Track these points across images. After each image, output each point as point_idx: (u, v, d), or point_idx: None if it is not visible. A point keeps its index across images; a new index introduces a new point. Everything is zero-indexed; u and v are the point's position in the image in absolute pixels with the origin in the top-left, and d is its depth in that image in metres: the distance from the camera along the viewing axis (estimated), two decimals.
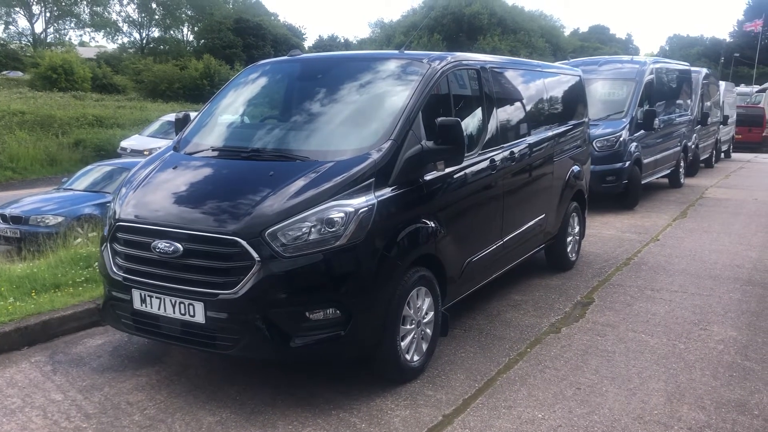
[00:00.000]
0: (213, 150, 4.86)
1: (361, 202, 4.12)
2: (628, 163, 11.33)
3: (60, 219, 10.18)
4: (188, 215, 4.21)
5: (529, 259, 6.78)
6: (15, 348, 5.17)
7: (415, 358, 4.62)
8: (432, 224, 4.67)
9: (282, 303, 3.96)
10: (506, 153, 5.72)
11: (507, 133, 5.84)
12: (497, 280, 6.43)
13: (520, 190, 6.09)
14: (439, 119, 4.56)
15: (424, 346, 4.72)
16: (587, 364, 4.93)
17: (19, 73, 46.53)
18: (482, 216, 5.45)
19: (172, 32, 76.87)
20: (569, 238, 7.44)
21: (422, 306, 4.65)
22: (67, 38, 73.74)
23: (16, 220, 10.26)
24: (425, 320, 4.70)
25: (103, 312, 4.69)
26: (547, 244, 7.15)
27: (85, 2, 72.39)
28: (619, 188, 11.41)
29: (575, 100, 7.75)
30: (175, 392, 4.45)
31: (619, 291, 6.78)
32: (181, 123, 5.52)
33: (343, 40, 74.59)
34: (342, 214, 4.03)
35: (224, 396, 4.39)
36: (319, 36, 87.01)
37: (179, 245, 4.08)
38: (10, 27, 71.36)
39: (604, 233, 9.70)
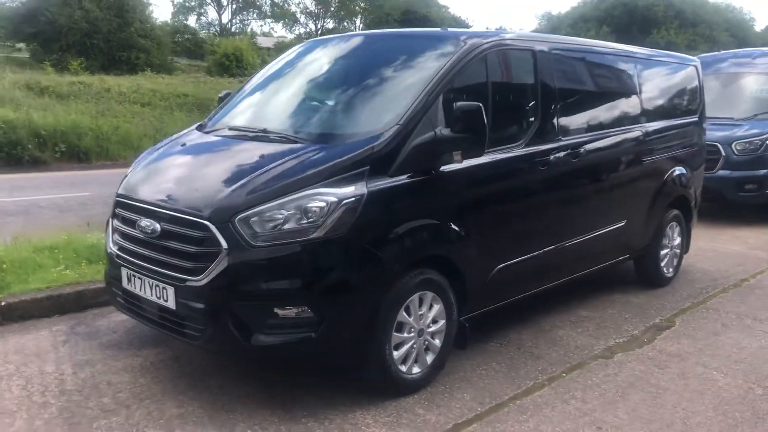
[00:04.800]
0: (229, 129, 4.63)
1: (347, 191, 3.70)
2: None
3: None
4: (174, 194, 4.01)
5: (602, 272, 5.97)
6: (45, 315, 5.26)
7: (415, 370, 4.13)
8: (446, 222, 4.14)
9: (248, 296, 3.65)
10: (566, 149, 5.00)
11: (569, 126, 5.11)
12: (565, 292, 5.79)
13: (585, 193, 5.35)
14: (458, 103, 4.01)
15: (429, 359, 4.21)
16: (626, 399, 4.19)
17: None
18: (524, 218, 4.80)
19: (345, 24, 79.04)
20: (664, 251, 6.50)
21: (428, 313, 4.14)
22: (249, 28, 78.10)
23: None
24: (431, 329, 4.18)
25: (106, 289, 4.61)
26: (632, 257, 6.28)
27: None
28: (761, 198, 9.99)
29: (684, 93, 6.76)
30: (159, 377, 4.29)
31: (712, 316, 5.80)
32: (221, 101, 5.34)
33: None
34: (322, 204, 3.63)
35: (203, 388, 4.16)
36: (486, 28, 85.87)
37: (158, 225, 3.87)
38: (202, 18, 76.91)
39: (728, 248, 8.48)
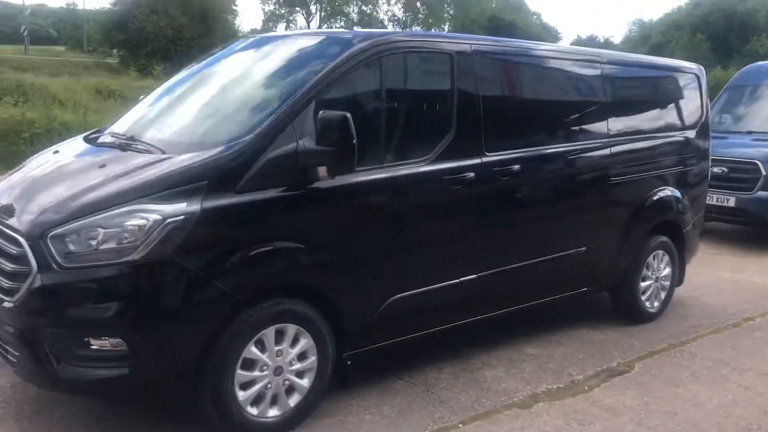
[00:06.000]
0: (111, 135, 4.29)
1: (175, 209, 3.26)
2: None
3: None
4: (15, 206, 3.68)
5: (555, 303, 5.28)
6: None
7: (271, 413, 3.66)
8: (314, 246, 3.65)
9: (58, 322, 3.27)
10: (492, 166, 4.39)
11: (501, 141, 4.49)
12: (521, 323, 5.29)
13: (520, 216, 4.70)
14: (321, 113, 3.51)
15: (293, 400, 3.72)
16: None
17: None
18: (430, 244, 4.22)
19: (433, 31, 78.68)
20: (645, 283, 5.72)
21: (290, 349, 3.65)
22: None
23: None
24: (295, 367, 3.69)
25: None
26: (599, 289, 5.56)
27: (354, 2, 77.21)
28: None
29: (677, 105, 5.96)
30: (8, 401, 3.96)
31: (683, 362, 5.01)
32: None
33: (603, 40, 70.54)
34: (142, 222, 3.21)
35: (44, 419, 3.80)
36: (578, 36, 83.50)
37: None
38: (291, 25, 78.46)
39: (751, 281, 7.51)
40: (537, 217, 4.80)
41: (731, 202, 9.00)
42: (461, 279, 4.38)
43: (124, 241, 3.20)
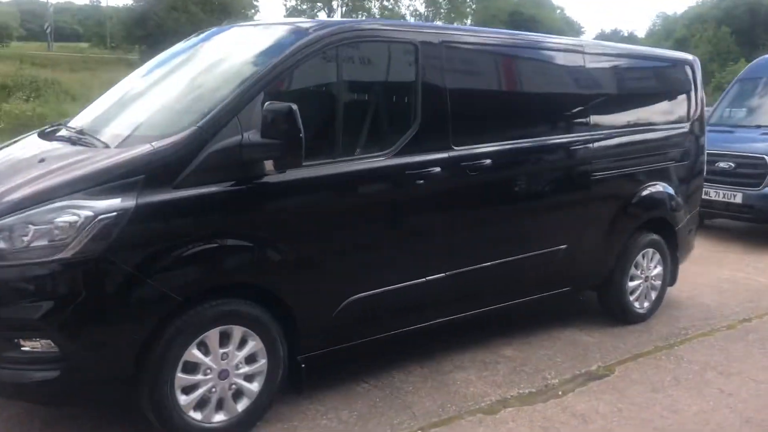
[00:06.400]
0: (65, 129, 4.17)
1: (108, 204, 3.13)
2: None
3: None
4: None
5: (541, 303, 5.08)
6: None
7: (217, 418, 3.52)
8: (263, 244, 3.50)
9: None
10: (461, 161, 4.21)
11: (470, 134, 4.30)
12: (504, 323, 5.17)
13: (491, 212, 4.52)
14: (267, 104, 3.36)
15: (242, 405, 3.58)
16: None
17: None
18: (392, 241, 4.06)
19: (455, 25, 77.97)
20: (634, 283, 5.49)
21: (236, 351, 3.51)
22: None
23: None
24: (243, 370, 3.55)
25: None
26: (583, 288, 5.35)
27: None
28: None
29: (667, 97, 5.71)
30: None
31: (668, 366, 4.79)
32: None
33: (627, 34, 69.49)
34: (73, 218, 3.08)
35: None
36: (601, 30, 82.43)
37: None
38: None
39: (754, 280, 7.21)
40: (511, 213, 4.60)
41: (738, 198, 8.69)
42: (428, 278, 4.20)
43: (56, 239, 3.07)
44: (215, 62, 4.08)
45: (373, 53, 4.01)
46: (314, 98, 3.77)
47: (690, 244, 6.03)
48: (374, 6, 77.12)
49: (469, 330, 5.02)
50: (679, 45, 51.71)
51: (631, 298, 5.51)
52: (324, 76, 3.82)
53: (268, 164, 3.42)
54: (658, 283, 5.70)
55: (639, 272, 5.52)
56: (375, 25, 4.09)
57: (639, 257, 5.48)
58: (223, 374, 3.48)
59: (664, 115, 5.65)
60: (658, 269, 5.67)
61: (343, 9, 77.20)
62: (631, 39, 64.05)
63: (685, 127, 5.77)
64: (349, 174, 3.80)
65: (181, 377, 3.36)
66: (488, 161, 4.33)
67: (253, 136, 3.39)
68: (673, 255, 5.77)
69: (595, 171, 4.98)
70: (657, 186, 5.49)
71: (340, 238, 3.82)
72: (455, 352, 4.82)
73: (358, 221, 3.87)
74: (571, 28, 65.69)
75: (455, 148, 4.19)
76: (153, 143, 3.32)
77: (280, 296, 3.61)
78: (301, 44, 3.67)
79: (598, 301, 5.62)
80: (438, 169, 4.09)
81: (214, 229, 3.38)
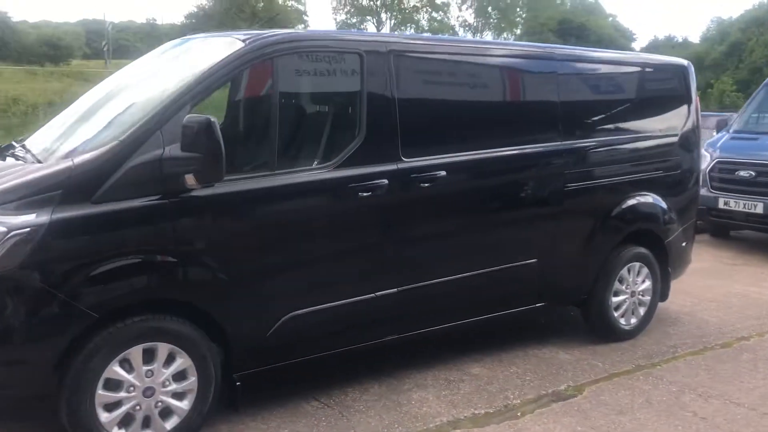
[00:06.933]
0: (17, 145, 4.20)
1: (22, 220, 3.12)
2: None
3: None
4: None
5: (507, 319, 4.90)
6: None
7: None
8: (188, 259, 3.46)
9: None
10: (411, 173, 4.09)
11: (422, 145, 4.18)
12: (477, 339, 5.02)
13: (447, 225, 4.38)
14: (186, 117, 3.31)
15: (171, 423, 3.53)
16: None
17: None
18: (334, 256, 3.95)
19: (505, 35, 77.50)
20: (619, 298, 5.25)
21: (162, 369, 3.46)
22: None
23: None
24: (170, 388, 3.50)
25: None
26: (560, 304, 5.14)
27: (425, 9, 77.11)
28: None
29: (655, 105, 5.45)
30: None
31: (643, 387, 4.55)
32: None
33: (681, 40, 67.65)
34: None
35: None
36: (654, 36, 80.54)
37: None
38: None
39: (763, 295, 6.83)
40: (470, 227, 4.45)
41: (759, 208, 8.28)
42: (377, 294, 4.07)
43: None
44: (155, 75, 4.06)
45: (314, 64, 3.92)
46: (249, 110, 3.72)
47: (684, 257, 5.74)
48: (423, 18, 77.17)
49: (442, 346, 4.89)
50: (733, 49, 50.16)
51: (616, 314, 5.26)
52: (259, 88, 3.76)
53: (189, 179, 3.36)
54: (647, 298, 5.44)
55: (624, 287, 5.27)
56: (314, 36, 4.02)
57: (624, 271, 5.24)
58: (149, 392, 3.43)
59: (650, 124, 5.40)
60: (647, 284, 5.41)
61: (392, 21, 77.51)
62: (684, 45, 62.41)
63: (676, 136, 5.50)
64: (286, 187, 3.72)
65: (103, 394, 3.32)
66: (443, 173, 4.19)
67: (174, 150, 3.34)
68: (663, 269, 5.49)
69: (567, 182, 4.78)
70: (642, 197, 5.25)
71: (275, 253, 3.74)
72: (420, 368, 4.67)
73: (296, 236, 3.79)
74: (621, 36, 64.35)
75: (405, 159, 4.06)
76: (74, 158, 3.30)
77: (210, 313, 3.54)
78: (232, 56, 3.62)
79: (582, 318, 5.39)
80: (385, 181, 3.97)
81: (135, 244, 3.34)
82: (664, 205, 5.39)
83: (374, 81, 3.98)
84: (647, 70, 5.48)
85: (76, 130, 3.89)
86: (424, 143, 4.18)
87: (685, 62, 5.71)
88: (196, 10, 47.05)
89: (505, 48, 4.84)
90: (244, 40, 3.75)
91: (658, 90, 5.49)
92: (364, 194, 3.92)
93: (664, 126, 5.47)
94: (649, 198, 5.29)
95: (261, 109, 3.83)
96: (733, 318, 6.05)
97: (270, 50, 3.71)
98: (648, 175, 5.31)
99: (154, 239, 3.37)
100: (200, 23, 42.59)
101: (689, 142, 5.60)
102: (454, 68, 4.44)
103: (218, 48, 3.82)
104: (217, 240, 3.53)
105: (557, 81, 4.76)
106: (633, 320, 5.38)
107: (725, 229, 9.43)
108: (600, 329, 5.27)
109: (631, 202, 5.18)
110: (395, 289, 4.14)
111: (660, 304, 5.75)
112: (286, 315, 3.77)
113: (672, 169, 5.48)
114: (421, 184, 4.13)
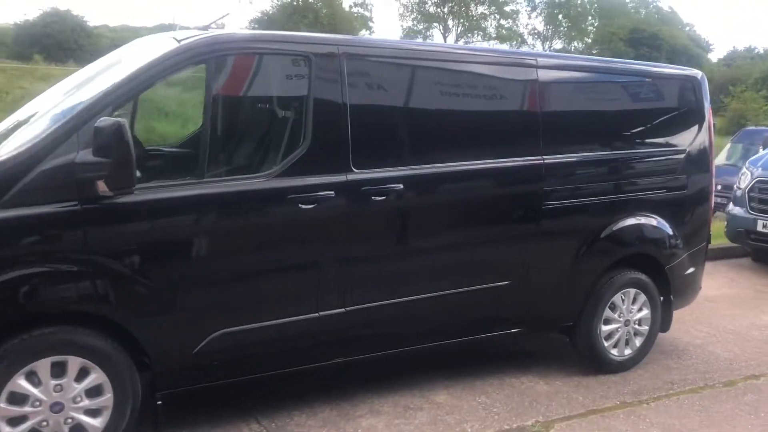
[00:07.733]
0: None
1: None
2: None
3: None
4: None
5: (472, 345, 4.56)
6: None
7: None
8: (97, 271, 3.26)
9: None
10: (362, 184, 3.82)
11: (378, 156, 3.91)
12: (457, 365, 4.74)
13: (402, 241, 4.09)
14: (98, 121, 3.13)
15: None
16: None
17: None
18: (271, 272, 3.71)
19: (575, 44, 75.87)
20: (611, 327, 4.83)
21: (74, 384, 3.28)
22: None
23: None
24: (82, 404, 3.32)
25: None
26: (540, 330, 4.77)
27: (492, 17, 76.22)
28: None
29: (658, 118, 5.00)
30: None
31: (619, 427, 4.14)
32: None
33: (762, 51, 64.62)
34: None
35: None
36: (733, 47, 77.38)
37: None
38: (427, 40, 78.71)
39: None
40: (430, 245, 4.13)
41: None
42: (321, 313, 3.81)
43: None
44: (96, 75, 3.89)
45: (256, 66, 3.72)
46: (179, 113, 3.50)
47: (690, 284, 5.24)
48: (491, 25, 76.27)
49: (417, 366, 4.60)
50: None
51: (606, 343, 4.84)
52: (192, 91, 3.55)
53: (101, 185, 3.18)
54: (644, 328, 4.99)
55: (617, 315, 4.85)
56: (257, 37, 3.80)
57: (617, 298, 4.81)
58: (57, 407, 3.25)
59: (652, 139, 4.96)
60: (644, 312, 4.96)
61: (459, 29, 76.92)
62: (765, 56, 59.72)
63: (683, 153, 5.04)
64: (215, 196, 3.50)
65: (6, 408, 3.16)
66: (399, 186, 3.90)
67: (86, 154, 3.16)
68: (665, 297, 5.04)
69: (546, 200, 4.41)
70: (639, 218, 4.83)
71: (202, 267, 3.52)
72: (382, 392, 4.38)
73: (225, 248, 3.56)
74: (696, 45, 62.09)
75: (356, 170, 3.79)
76: None
77: (126, 327, 3.35)
78: (162, 57, 3.43)
79: (571, 346, 4.98)
80: (332, 192, 3.71)
81: (42, 252, 3.18)
82: (666, 227, 4.94)
83: (323, 85, 3.73)
84: (649, 80, 5.02)
85: (13, 132, 3.76)
86: (378, 154, 3.90)
87: (698, 73, 5.24)
88: (260, 15, 47.55)
89: (476, 54, 4.49)
90: (180, 40, 3.56)
91: (662, 102, 5.04)
92: (307, 206, 3.66)
93: (668, 142, 5.02)
94: (648, 219, 4.86)
95: (193, 113, 3.63)
96: (749, 353, 5.52)
97: (205, 51, 3.50)
98: (647, 195, 4.87)
99: (63, 248, 3.20)
100: (264, 29, 43.05)
101: (699, 160, 5.12)
102: (416, 74, 4.12)
103: (153, 48, 3.64)
104: (135, 251, 3.34)
105: (537, 90, 4.40)
106: (627, 351, 4.94)
107: (767, 254, 8.76)
108: (588, 359, 4.86)
109: (626, 223, 4.75)
110: (343, 309, 3.86)
111: (668, 335, 5.32)
112: (214, 332, 3.55)
113: (677, 188, 5.02)
114: (374, 198, 3.84)
